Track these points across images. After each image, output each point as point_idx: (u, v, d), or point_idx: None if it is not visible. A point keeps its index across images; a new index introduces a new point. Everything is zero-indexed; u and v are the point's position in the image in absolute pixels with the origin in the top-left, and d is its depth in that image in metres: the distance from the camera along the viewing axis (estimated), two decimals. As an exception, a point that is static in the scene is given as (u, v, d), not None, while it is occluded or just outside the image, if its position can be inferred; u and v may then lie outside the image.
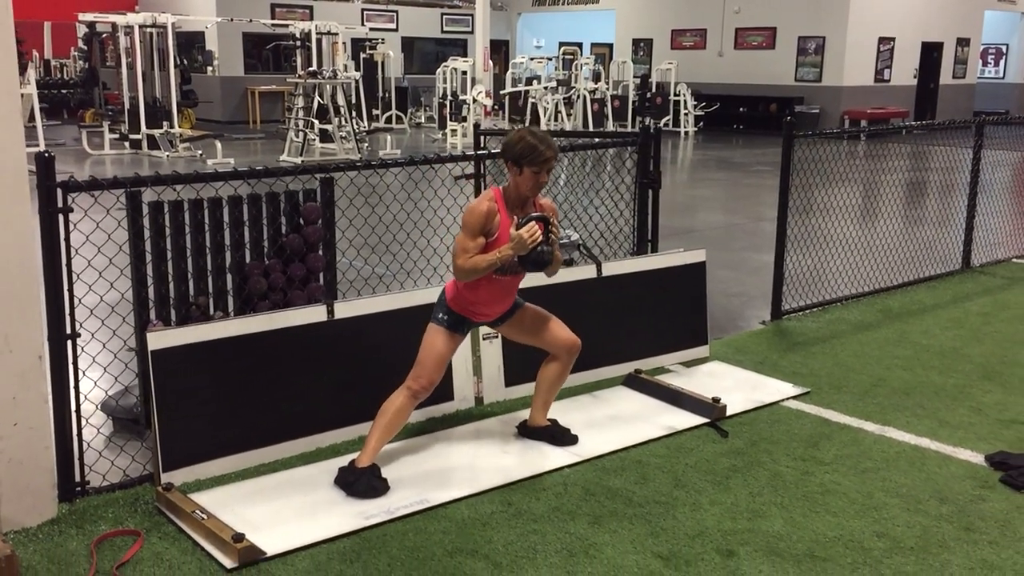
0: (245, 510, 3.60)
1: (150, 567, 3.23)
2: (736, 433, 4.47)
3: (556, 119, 20.16)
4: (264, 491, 3.79)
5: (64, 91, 21.59)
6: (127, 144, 16.16)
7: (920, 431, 4.54)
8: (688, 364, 5.42)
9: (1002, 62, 28.46)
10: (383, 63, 22.22)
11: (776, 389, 5.06)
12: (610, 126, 20.73)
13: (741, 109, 22.86)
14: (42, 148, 5.19)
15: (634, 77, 22.26)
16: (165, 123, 16.08)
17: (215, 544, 3.33)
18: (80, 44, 22.42)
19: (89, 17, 17.18)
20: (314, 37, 18.28)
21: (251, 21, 20.87)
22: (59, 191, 3.49)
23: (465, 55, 23.57)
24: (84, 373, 3.73)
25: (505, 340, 4.63)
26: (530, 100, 19.99)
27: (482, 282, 3.90)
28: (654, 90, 22.02)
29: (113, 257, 3.93)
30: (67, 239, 3.54)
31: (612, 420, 4.59)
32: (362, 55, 22.14)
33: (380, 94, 22.09)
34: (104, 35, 19.36)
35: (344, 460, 3.91)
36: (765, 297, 6.51)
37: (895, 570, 3.30)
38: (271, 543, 3.36)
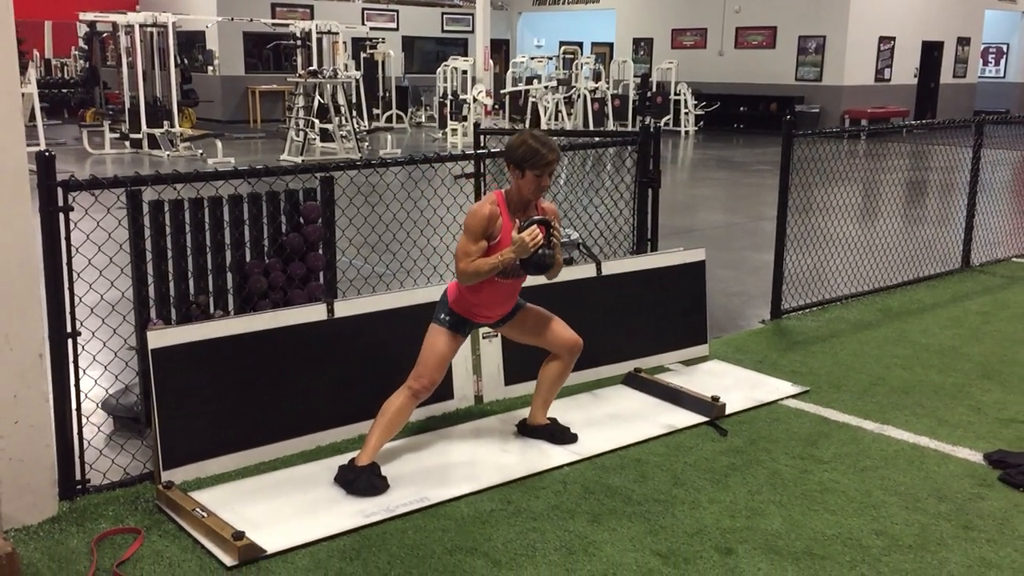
0: (245, 508, 3.61)
1: (150, 565, 3.24)
2: (735, 432, 4.48)
3: (556, 118, 20.16)
4: (264, 489, 3.79)
5: (65, 90, 21.59)
6: (128, 143, 16.17)
7: (919, 430, 4.55)
8: (688, 363, 5.43)
9: (1003, 61, 28.46)
10: (383, 62, 22.23)
11: (775, 388, 5.06)
12: (610, 125, 20.73)
13: (741, 108, 22.87)
14: (43, 147, 5.19)
15: (634, 76, 22.26)
16: (166, 122, 16.08)
17: (215, 542, 3.34)
18: (81, 43, 22.42)
19: (90, 16, 17.18)
20: (314, 36, 18.29)
21: (252, 20, 20.88)
22: (60, 190, 3.49)
23: (465, 54, 23.58)
24: (85, 371, 3.74)
25: (505, 339, 4.64)
26: (530, 99, 19.99)
27: (484, 285, 3.91)
28: (654, 89, 22.02)
29: (114, 256, 3.95)
30: (68, 238, 3.55)
31: (611, 419, 4.59)
32: (362, 54, 22.15)
33: (380, 93, 22.09)
34: (105, 34, 19.37)
35: (344, 458, 3.92)
36: (765, 296, 6.52)
37: (893, 568, 3.31)
38: (271, 541, 3.37)
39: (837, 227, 7.60)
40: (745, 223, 10.66)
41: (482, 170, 5.63)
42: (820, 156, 6.80)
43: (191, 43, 22.46)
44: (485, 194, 5.54)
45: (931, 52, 24.00)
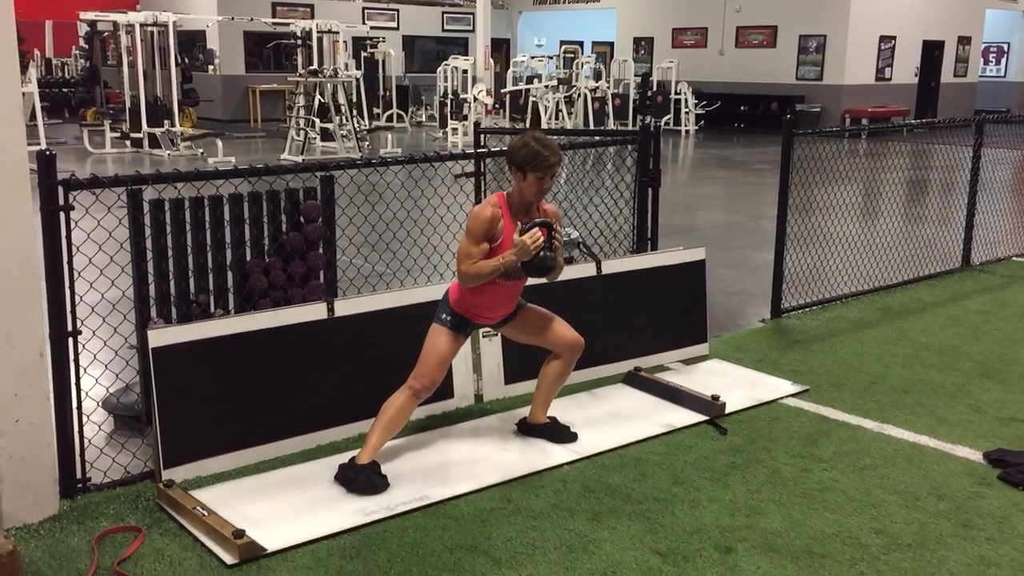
0: (245, 507, 3.61)
1: (151, 563, 3.25)
2: (735, 430, 4.49)
3: (557, 117, 20.16)
4: (264, 488, 3.80)
5: (65, 90, 21.60)
6: (128, 143, 16.17)
7: (919, 428, 4.55)
8: (688, 362, 5.43)
9: (1003, 60, 28.46)
10: (384, 61, 22.23)
11: (775, 387, 5.07)
12: (611, 125, 20.72)
13: (742, 108, 22.87)
14: (43, 146, 5.20)
15: (635, 76, 22.26)
16: (166, 122, 16.09)
17: (216, 540, 3.34)
18: (81, 43, 22.39)
19: (90, 16, 17.18)
20: (315, 36, 18.30)
21: (252, 20, 20.89)
22: (60, 189, 3.50)
23: (466, 53, 23.58)
24: (85, 370, 3.75)
25: (505, 338, 4.65)
26: (531, 99, 19.99)
27: (486, 286, 3.92)
28: (655, 89, 22.02)
29: (114, 255, 3.95)
30: (68, 237, 3.55)
31: (611, 417, 4.60)
32: (363, 53, 22.15)
33: (381, 93, 22.09)
34: (105, 34, 19.36)
35: (344, 457, 3.93)
36: (765, 295, 6.52)
37: (893, 566, 3.32)
38: (271, 539, 3.37)
39: (837, 226, 7.61)
40: (745, 222, 10.66)
41: (482, 169, 5.63)
42: (820, 155, 6.81)
43: (192, 42, 22.47)
44: (485, 193, 5.57)
45: (932, 51, 24.00)
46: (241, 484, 3.83)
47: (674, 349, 5.44)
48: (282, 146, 16.13)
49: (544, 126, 18.88)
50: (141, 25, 16.11)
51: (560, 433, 4.32)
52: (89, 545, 3.33)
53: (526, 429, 4.37)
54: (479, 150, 5.47)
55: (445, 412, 4.58)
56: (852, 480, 3.98)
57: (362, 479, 3.77)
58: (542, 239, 3.80)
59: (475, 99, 18.16)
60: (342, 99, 16.18)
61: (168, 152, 15.69)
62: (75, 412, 3.66)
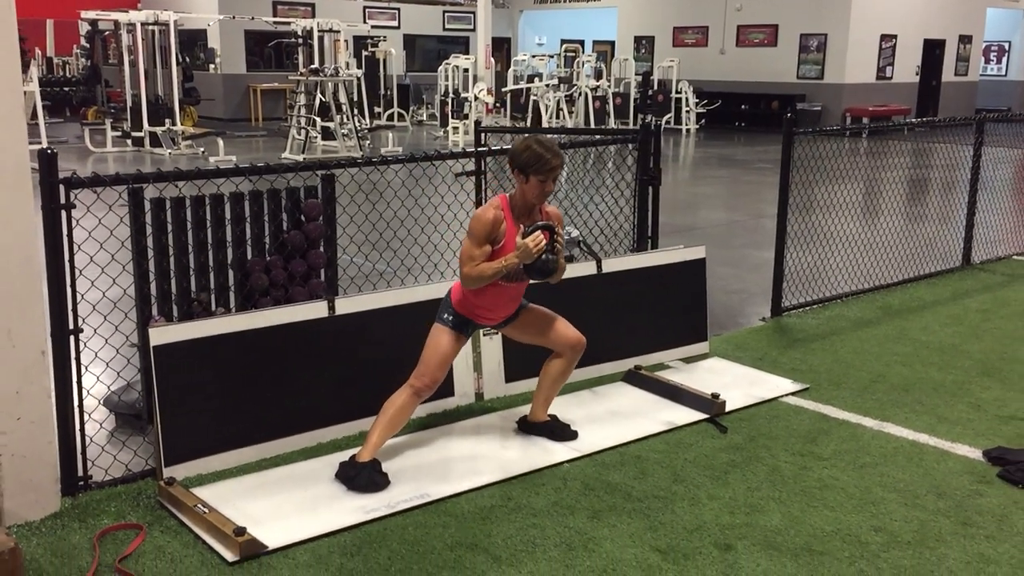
0: (246, 504, 3.62)
1: (152, 561, 3.25)
2: (735, 429, 4.49)
3: (558, 116, 20.16)
4: (265, 485, 3.81)
5: (66, 88, 21.63)
6: (129, 141, 16.18)
7: (918, 427, 4.56)
8: (688, 360, 5.44)
9: (1004, 59, 28.45)
10: (385, 60, 22.23)
11: (775, 385, 5.07)
12: (612, 123, 20.72)
13: (743, 106, 22.86)
14: (45, 145, 5.21)
15: (636, 74, 22.26)
16: (167, 120, 16.10)
17: (217, 538, 3.35)
18: (82, 42, 22.45)
19: (91, 15, 17.21)
20: (316, 34, 18.31)
21: (253, 19, 20.89)
22: (61, 188, 3.51)
23: (467, 52, 23.59)
24: (87, 368, 3.76)
25: (505, 336, 4.65)
26: (532, 97, 19.98)
27: (488, 288, 3.94)
28: (656, 87, 22.01)
29: (115, 253, 3.96)
30: (70, 235, 3.56)
31: (612, 416, 4.61)
32: (364, 52, 22.15)
33: (382, 91, 22.10)
34: (106, 32, 19.41)
35: (345, 455, 3.94)
36: (765, 294, 6.53)
37: (892, 564, 3.32)
38: (272, 537, 3.38)
39: (838, 225, 7.62)
40: (745, 221, 10.66)
41: (483, 168, 5.64)
42: (821, 154, 6.81)
43: (193, 41, 22.48)
44: (486, 192, 5.57)
45: (933, 50, 23.99)
46: (242, 482, 3.83)
47: (674, 347, 5.45)
48: (283, 145, 16.14)
49: (545, 125, 18.87)
50: (142, 24, 16.12)
51: (560, 431, 4.32)
52: (90, 542, 3.34)
53: (527, 427, 4.37)
54: (480, 149, 5.47)
55: (446, 410, 4.59)
56: (852, 478, 3.99)
57: (363, 477, 3.78)
58: (544, 242, 3.81)
59: (476, 98, 18.17)
60: (343, 98, 16.19)
61: (169, 151, 15.70)
62: (76, 410, 3.67)
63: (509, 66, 23.94)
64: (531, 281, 4.06)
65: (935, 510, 3.72)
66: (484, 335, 4.73)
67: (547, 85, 20.40)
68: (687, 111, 21.64)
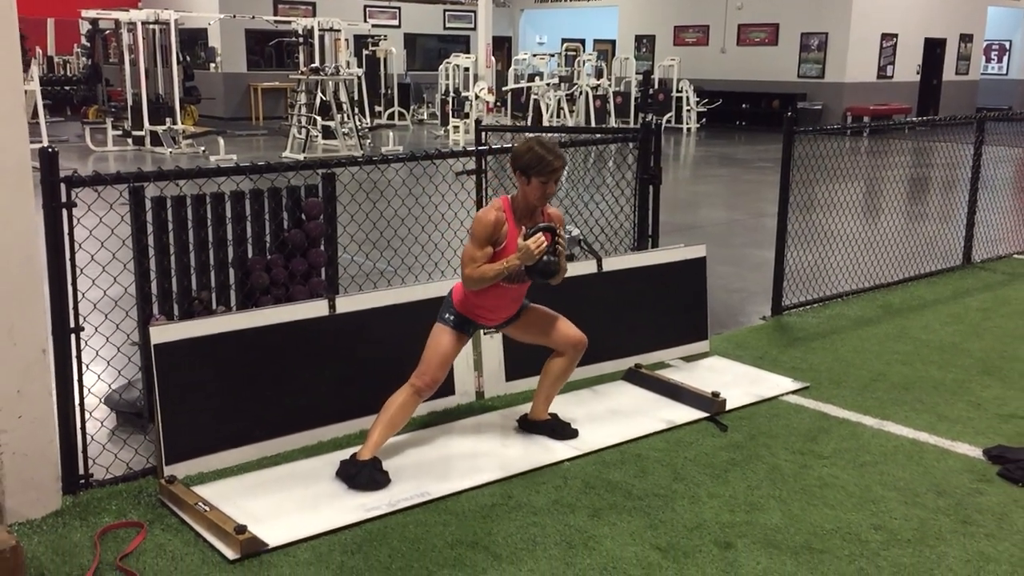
0: (247, 502, 3.63)
1: (153, 558, 3.26)
2: (735, 427, 4.50)
3: (558, 115, 20.16)
4: (266, 484, 3.81)
5: (67, 87, 21.64)
6: (130, 140, 16.19)
7: (919, 425, 4.56)
8: (688, 359, 5.44)
9: (1005, 58, 28.44)
10: (385, 59, 22.23)
11: (775, 384, 5.08)
12: (612, 123, 20.72)
13: (743, 105, 22.87)
14: (45, 144, 5.20)
15: (636, 73, 22.26)
16: (168, 119, 16.11)
17: (217, 536, 3.36)
18: (83, 41, 22.45)
19: (92, 14, 17.22)
20: (317, 33, 18.32)
21: (254, 17, 20.90)
22: (62, 186, 3.51)
23: (468, 51, 23.60)
24: (88, 367, 3.76)
25: (506, 336, 4.66)
26: (532, 96, 19.98)
27: (490, 289, 3.94)
28: (656, 86, 22.01)
29: (116, 252, 3.96)
30: (71, 234, 3.56)
31: (612, 414, 4.61)
32: (364, 51, 22.15)
33: (382, 90, 22.10)
34: (107, 32, 19.41)
35: (346, 453, 3.94)
36: (765, 293, 6.53)
37: (892, 562, 3.33)
38: (273, 535, 3.39)
39: (838, 224, 7.62)
40: (746, 220, 10.66)
41: (483, 167, 5.64)
42: (822, 153, 6.81)
43: (193, 40, 22.48)
44: (486, 191, 5.58)
45: (934, 49, 23.99)
46: (243, 480, 3.84)
47: (675, 346, 5.45)
48: (284, 144, 16.14)
49: (545, 124, 18.87)
50: (143, 23, 16.13)
51: (561, 429, 4.33)
52: (91, 541, 3.34)
53: (527, 425, 4.38)
54: (480, 148, 5.47)
55: (446, 409, 4.59)
56: (852, 476, 3.99)
57: (363, 475, 3.79)
58: (546, 244, 3.82)
59: (476, 97, 18.17)
60: (344, 97, 16.19)
61: (170, 150, 15.70)
62: (78, 408, 3.67)
63: (510, 65, 23.94)
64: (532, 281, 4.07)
65: (935, 508, 3.72)
66: (485, 334, 4.74)
67: (548, 84, 20.40)
68: (688, 110, 21.63)
